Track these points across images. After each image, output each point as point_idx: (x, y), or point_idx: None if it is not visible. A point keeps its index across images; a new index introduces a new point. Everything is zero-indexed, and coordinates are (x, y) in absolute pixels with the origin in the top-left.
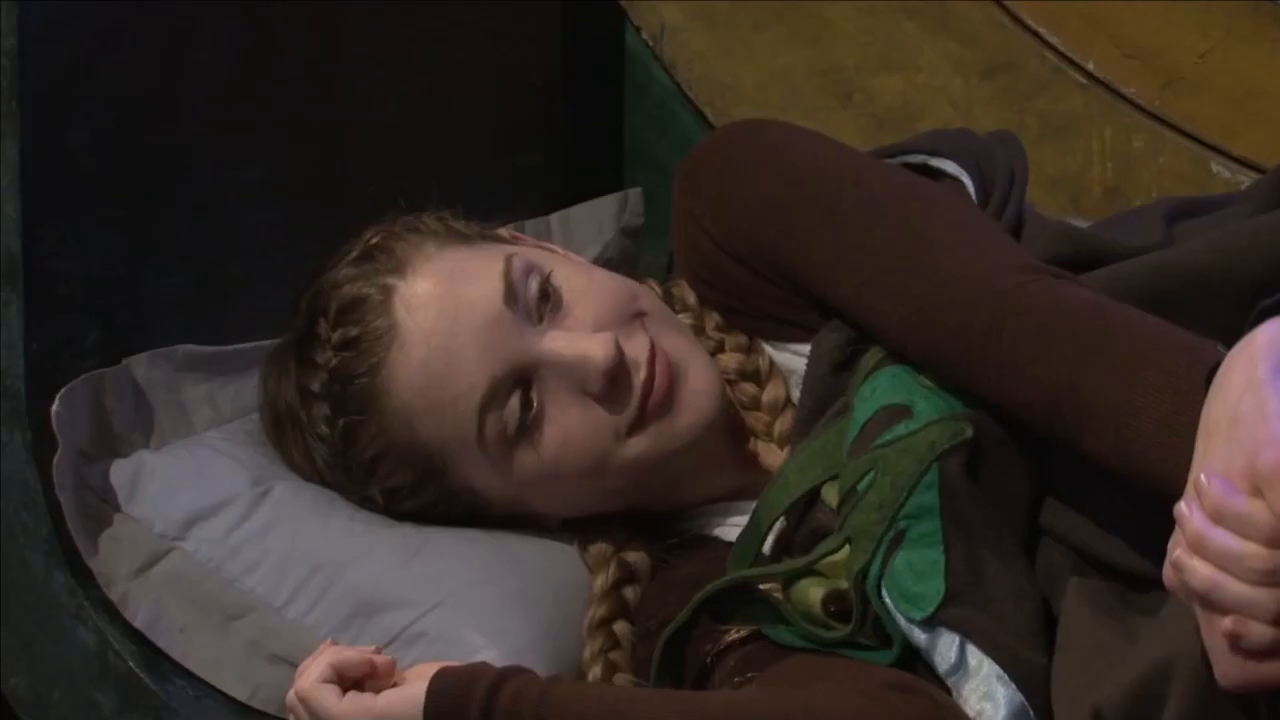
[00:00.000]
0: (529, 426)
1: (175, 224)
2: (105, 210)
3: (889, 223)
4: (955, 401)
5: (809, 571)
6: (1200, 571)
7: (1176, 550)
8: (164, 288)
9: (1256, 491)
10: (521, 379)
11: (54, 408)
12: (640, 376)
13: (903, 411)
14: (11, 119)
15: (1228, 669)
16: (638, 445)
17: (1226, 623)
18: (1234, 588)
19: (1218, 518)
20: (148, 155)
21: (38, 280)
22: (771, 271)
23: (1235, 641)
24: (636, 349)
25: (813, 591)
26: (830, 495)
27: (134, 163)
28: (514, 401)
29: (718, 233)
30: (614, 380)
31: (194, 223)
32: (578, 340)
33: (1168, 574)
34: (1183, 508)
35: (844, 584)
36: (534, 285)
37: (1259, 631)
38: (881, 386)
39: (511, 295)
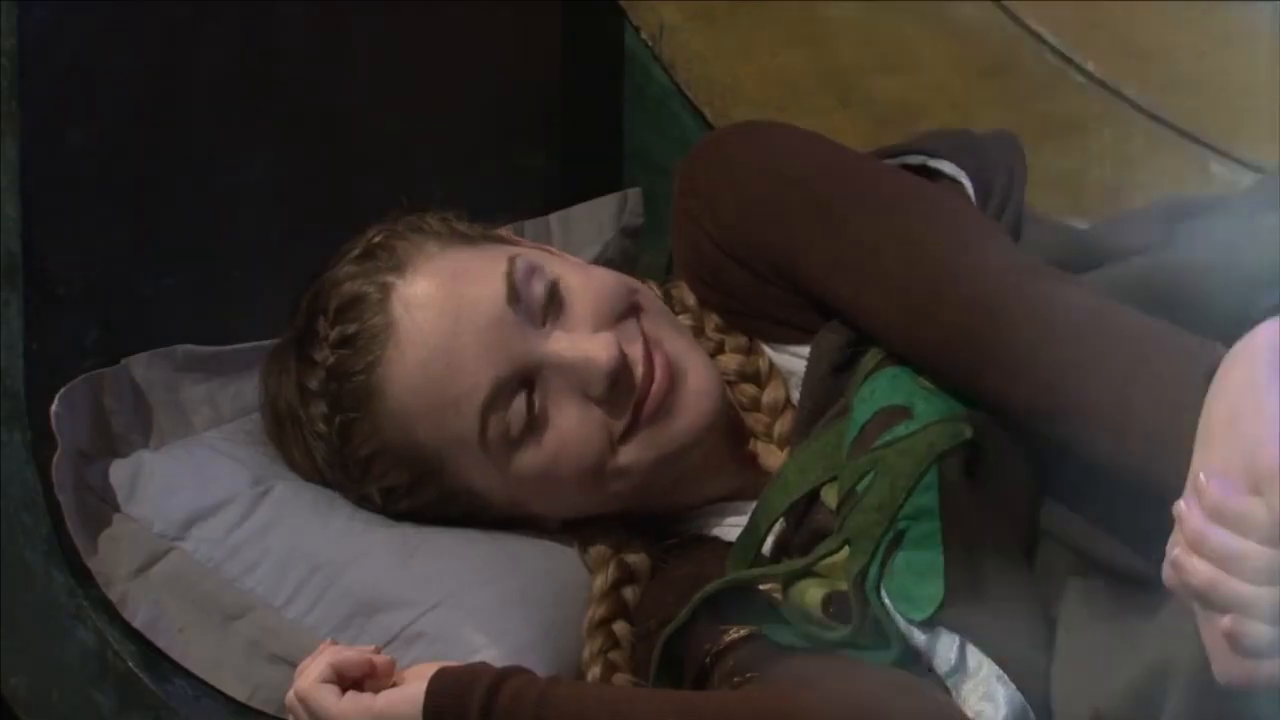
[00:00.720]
0: (530, 429)
1: (175, 224)
2: (105, 210)
3: (888, 223)
4: (954, 403)
5: (808, 573)
6: (1199, 570)
7: (1175, 549)
8: (164, 288)
9: (1256, 490)
10: (525, 380)
11: (54, 408)
12: (638, 378)
13: (902, 413)
14: (12, 119)
15: (1227, 667)
16: (637, 447)
17: (1226, 621)
18: (1233, 586)
19: (1217, 516)
20: (148, 155)
21: (38, 280)
22: (771, 272)
23: (1234, 640)
24: (636, 350)
25: (812, 592)
26: (829, 496)
27: (134, 163)
28: (517, 403)
29: (717, 233)
30: (616, 383)
31: (194, 223)
32: (581, 342)
33: (1167, 572)
34: (1182, 506)
35: (843, 585)
36: (537, 287)
37: (1258, 630)
38: (881, 388)
39: (514, 296)
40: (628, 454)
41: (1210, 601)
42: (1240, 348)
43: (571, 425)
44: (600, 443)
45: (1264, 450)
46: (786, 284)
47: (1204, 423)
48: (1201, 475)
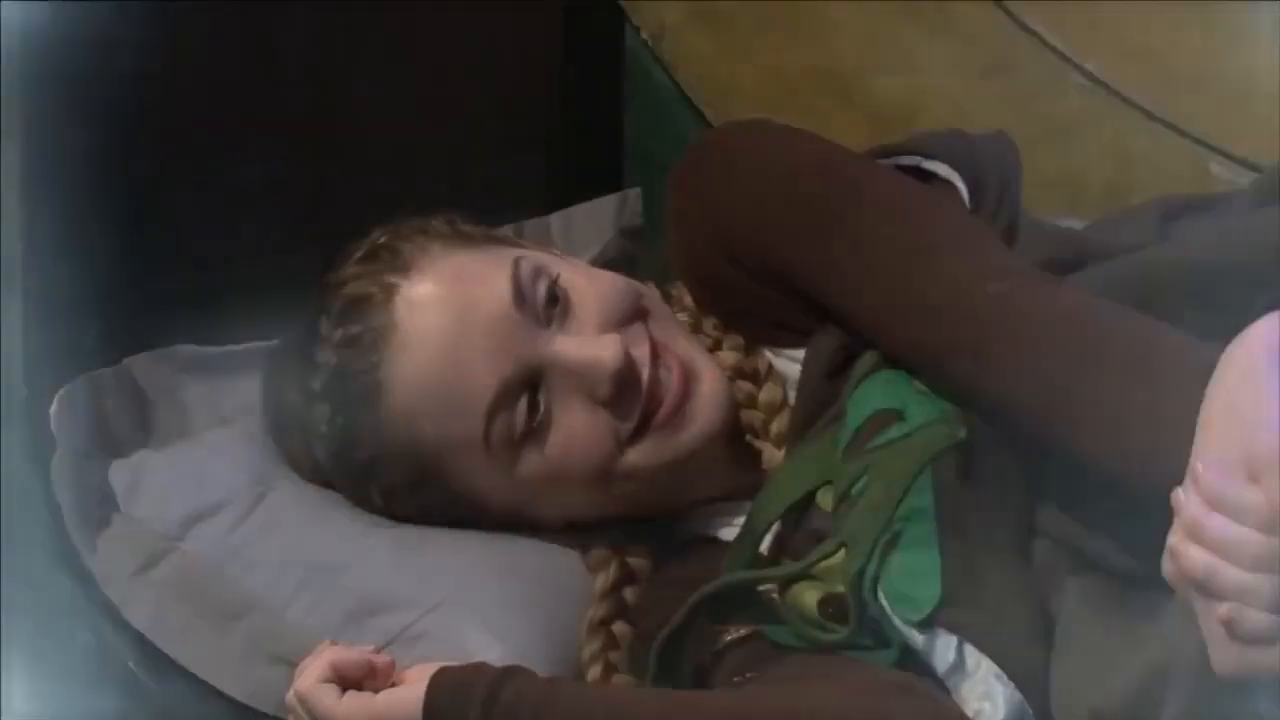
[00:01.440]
0: (535, 430)
1: (175, 224)
2: (105, 211)
3: (883, 226)
4: (949, 405)
5: (804, 575)
6: (1197, 558)
7: (1173, 537)
8: (164, 288)
9: (1254, 478)
10: (530, 382)
11: (53, 408)
12: (644, 380)
13: (896, 415)
14: (11, 119)
15: (1225, 657)
16: (646, 451)
17: (1223, 610)
18: (1230, 574)
19: (1214, 504)
20: (148, 155)
21: (38, 280)
22: (766, 273)
23: (1232, 628)
24: (642, 353)
25: (808, 595)
26: (825, 500)
27: (134, 163)
28: (522, 404)
29: (712, 234)
30: (622, 385)
31: (194, 223)
32: (587, 344)
33: (1165, 562)
34: (1180, 494)
35: (840, 587)
36: (542, 288)
37: (1256, 618)
38: (875, 391)
39: (520, 297)
40: (635, 457)
41: (1208, 589)
42: (1238, 342)
43: (577, 427)
44: (606, 445)
45: (1262, 438)
46: (781, 286)
47: (1203, 414)
48: (1199, 463)
